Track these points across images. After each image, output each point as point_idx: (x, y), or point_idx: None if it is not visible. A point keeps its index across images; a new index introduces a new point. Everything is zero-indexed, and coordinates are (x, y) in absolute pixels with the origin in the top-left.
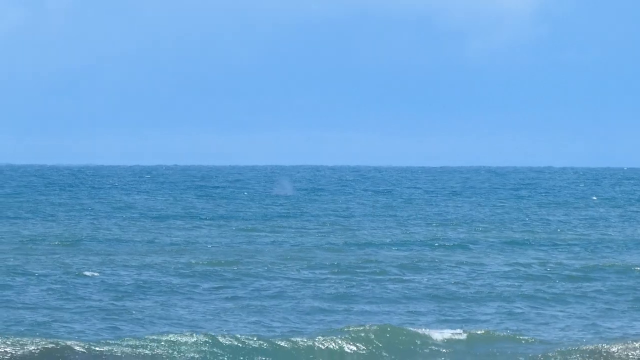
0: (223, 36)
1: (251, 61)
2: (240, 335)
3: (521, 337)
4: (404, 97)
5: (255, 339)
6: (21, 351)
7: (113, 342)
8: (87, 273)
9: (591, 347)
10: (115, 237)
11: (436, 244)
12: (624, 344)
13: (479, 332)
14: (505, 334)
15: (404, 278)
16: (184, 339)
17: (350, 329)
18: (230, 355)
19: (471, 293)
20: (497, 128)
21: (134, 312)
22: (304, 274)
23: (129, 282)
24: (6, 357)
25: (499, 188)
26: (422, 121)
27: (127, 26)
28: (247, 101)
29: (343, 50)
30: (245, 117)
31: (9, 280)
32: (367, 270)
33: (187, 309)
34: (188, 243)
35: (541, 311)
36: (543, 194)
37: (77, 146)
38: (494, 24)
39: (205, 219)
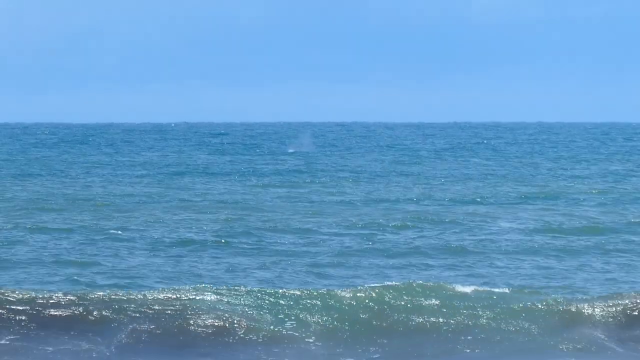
0: None
1: (258, 16)
2: (260, 288)
3: (543, 290)
4: (410, 52)
5: (272, 290)
6: (42, 302)
7: (128, 294)
8: (102, 230)
9: (612, 296)
10: (130, 193)
11: (453, 200)
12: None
13: (504, 287)
14: (528, 289)
15: (424, 234)
16: (200, 292)
17: (373, 285)
18: (252, 305)
19: (491, 248)
20: (505, 83)
21: (151, 267)
22: (321, 229)
23: (144, 239)
24: (20, 308)
25: (511, 143)
26: (429, 76)
27: None
28: (254, 57)
29: (350, 6)
30: (251, 74)
31: (27, 237)
32: (384, 226)
33: (203, 265)
34: (203, 199)
35: (562, 265)
36: (555, 149)
37: (85, 104)
38: None
39: (220, 174)
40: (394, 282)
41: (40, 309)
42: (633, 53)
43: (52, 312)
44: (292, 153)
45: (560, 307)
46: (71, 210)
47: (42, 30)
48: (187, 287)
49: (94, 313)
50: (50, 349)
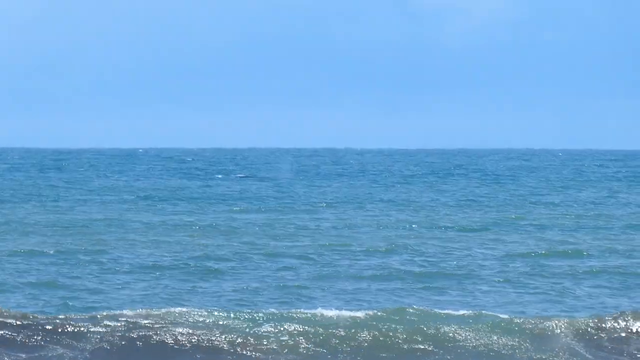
0: (200, 16)
1: (227, 41)
2: (235, 309)
3: (519, 311)
4: (380, 77)
5: (247, 310)
6: (16, 317)
7: (106, 312)
8: (78, 253)
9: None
10: (103, 217)
11: (428, 225)
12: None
13: (485, 310)
14: (507, 311)
15: (399, 259)
16: (176, 310)
17: (348, 309)
18: (226, 322)
19: (471, 272)
20: (475, 109)
21: (128, 289)
22: (297, 253)
23: (120, 262)
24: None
25: (483, 170)
26: (399, 101)
27: (105, 6)
28: (222, 82)
29: (320, 30)
30: (220, 99)
31: (3, 261)
32: (360, 251)
33: (180, 287)
34: (178, 224)
35: (542, 289)
36: (529, 175)
37: (52, 129)
38: (472, 2)
39: (192, 199)
40: (368, 307)
41: (15, 322)
42: (603, 80)
43: (27, 324)
44: (261, 178)
45: (536, 327)
46: (46, 234)
47: (11, 54)
48: (164, 307)
49: (70, 326)
50: (24, 355)
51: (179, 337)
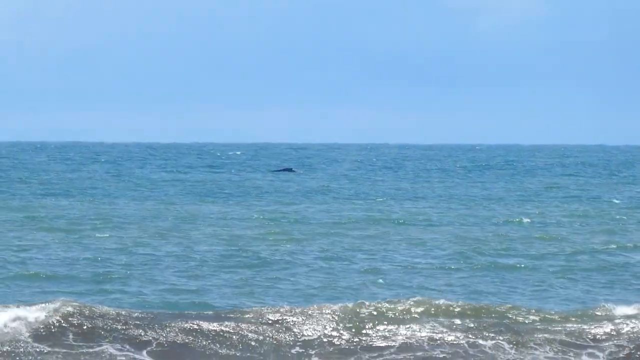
0: (233, 14)
1: (260, 39)
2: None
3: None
4: (411, 74)
5: (292, 306)
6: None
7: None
8: (133, 247)
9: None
10: (157, 210)
11: (486, 220)
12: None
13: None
14: (581, 306)
15: (460, 251)
16: (234, 309)
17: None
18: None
19: (529, 265)
20: (506, 106)
21: (214, 285)
22: (348, 246)
23: (172, 256)
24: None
25: (530, 164)
26: (431, 98)
27: (137, 3)
28: (257, 79)
29: (352, 28)
30: (255, 95)
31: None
32: (414, 243)
33: (233, 280)
34: (219, 217)
35: (613, 283)
36: (584, 172)
37: (88, 124)
38: (503, 1)
39: (243, 192)
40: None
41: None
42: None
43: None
44: (300, 173)
45: (605, 317)
46: (99, 227)
47: (49, 49)
48: (222, 301)
49: (132, 326)
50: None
51: (239, 332)
